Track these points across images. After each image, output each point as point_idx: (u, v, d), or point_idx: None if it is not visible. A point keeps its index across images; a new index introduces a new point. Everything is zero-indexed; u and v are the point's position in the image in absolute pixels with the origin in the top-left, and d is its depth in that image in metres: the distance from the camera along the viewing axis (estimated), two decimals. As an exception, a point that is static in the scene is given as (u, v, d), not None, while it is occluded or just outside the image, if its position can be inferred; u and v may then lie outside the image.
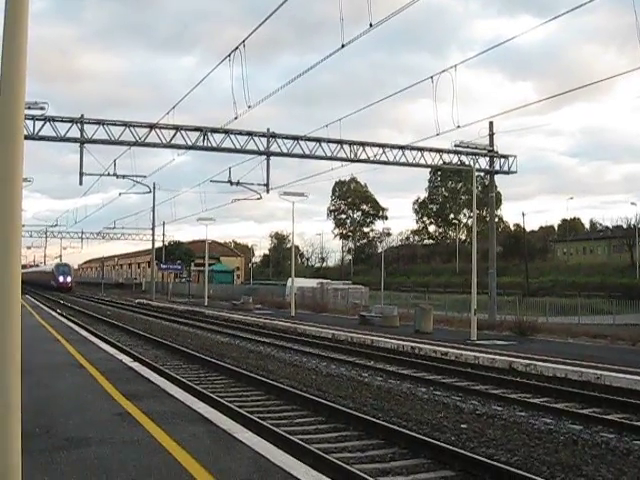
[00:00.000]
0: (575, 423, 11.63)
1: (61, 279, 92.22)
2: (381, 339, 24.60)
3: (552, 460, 9.23)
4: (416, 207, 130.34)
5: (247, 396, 14.48)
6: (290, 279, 51.80)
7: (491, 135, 36.01)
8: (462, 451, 9.42)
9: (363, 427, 11.07)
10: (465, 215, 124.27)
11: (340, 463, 8.65)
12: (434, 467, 9.06)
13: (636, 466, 9.03)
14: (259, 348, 23.13)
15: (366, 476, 8.19)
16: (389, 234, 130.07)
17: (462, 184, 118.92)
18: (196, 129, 33.37)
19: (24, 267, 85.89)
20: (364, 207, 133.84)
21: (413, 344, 22.75)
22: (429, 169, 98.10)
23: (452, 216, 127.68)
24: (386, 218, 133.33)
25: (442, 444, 9.76)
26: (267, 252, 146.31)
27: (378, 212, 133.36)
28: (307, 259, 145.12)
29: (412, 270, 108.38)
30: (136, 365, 14.86)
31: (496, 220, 62.91)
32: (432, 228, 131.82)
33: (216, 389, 15.20)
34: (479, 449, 9.83)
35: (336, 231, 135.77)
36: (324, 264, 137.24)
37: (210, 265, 67.00)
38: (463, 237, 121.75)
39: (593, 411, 12.94)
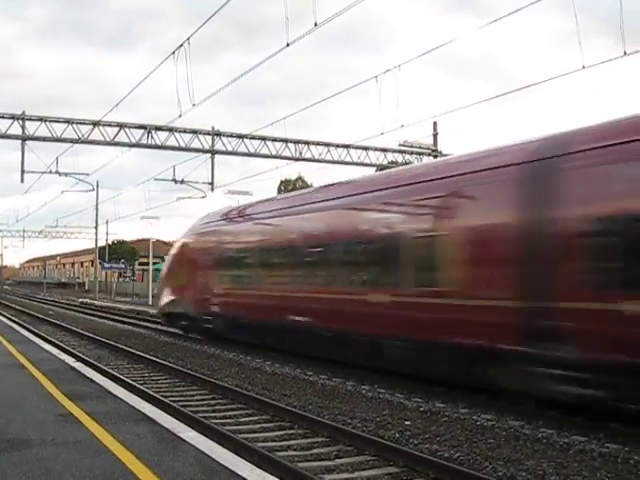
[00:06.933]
0: (517, 419, 11.79)
1: None
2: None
3: (494, 455, 9.38)
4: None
5: (191, 395, 14.43)
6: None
7: (435, 135, 36.43)
8: (405, 448, 9.53)
9: (308, 425, 11.11)
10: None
11: (285, 462, 8.67)
12: (379, 464, 9.14)
13: (576, 460, 9.21)
14: (203, 348, 22.99)
15: (311, 475, 8.24)
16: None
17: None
18: (140, 127, 33.04)
19: None
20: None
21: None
22: (374, 168, 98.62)
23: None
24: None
25: (386, 441, 9.86)
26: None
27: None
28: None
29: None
30: (79, 365, 14.70)
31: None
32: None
33: (160, 389, 15.11)
34: (423, 445, 9.93)
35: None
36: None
37: (155, 264, 66.26)
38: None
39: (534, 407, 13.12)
